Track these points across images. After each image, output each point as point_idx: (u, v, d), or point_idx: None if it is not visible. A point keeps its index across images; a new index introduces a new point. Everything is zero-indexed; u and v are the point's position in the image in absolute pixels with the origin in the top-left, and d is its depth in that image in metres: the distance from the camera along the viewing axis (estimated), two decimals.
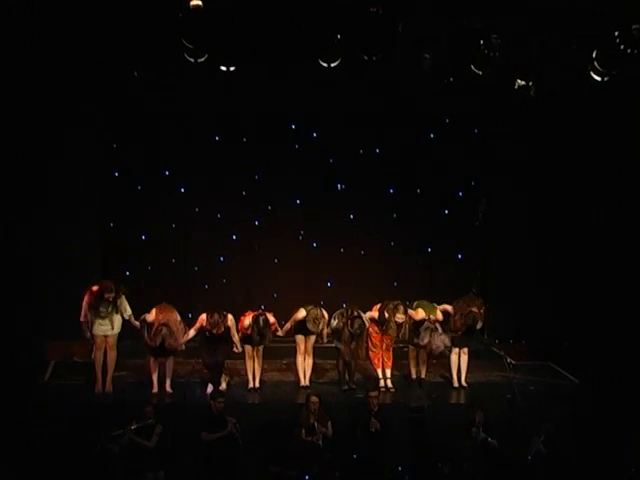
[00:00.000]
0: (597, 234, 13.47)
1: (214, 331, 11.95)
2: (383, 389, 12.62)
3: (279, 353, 13.40)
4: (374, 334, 12.69)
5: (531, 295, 14.38)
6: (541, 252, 14.39)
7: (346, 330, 12.38)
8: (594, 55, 11.65)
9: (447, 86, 12.84)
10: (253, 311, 12.28)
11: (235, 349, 12.33)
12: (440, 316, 12.65)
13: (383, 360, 12.78)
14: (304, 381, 12.56)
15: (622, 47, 11.33)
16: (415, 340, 12.60)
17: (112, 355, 12.29)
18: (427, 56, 11.82)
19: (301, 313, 12.38)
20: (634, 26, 11.21)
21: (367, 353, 12.67)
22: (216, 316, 11.90)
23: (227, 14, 11.24)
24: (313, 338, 12.53)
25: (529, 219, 14.52)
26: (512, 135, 14.34)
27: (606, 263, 13.29)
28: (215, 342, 12.14)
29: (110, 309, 12.10)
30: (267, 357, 12.74)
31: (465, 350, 12.87)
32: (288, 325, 12.53)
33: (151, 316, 11.97)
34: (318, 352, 12.97)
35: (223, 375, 12.43)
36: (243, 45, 11.46)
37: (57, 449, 10.57)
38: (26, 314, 12.52)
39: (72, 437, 10.64)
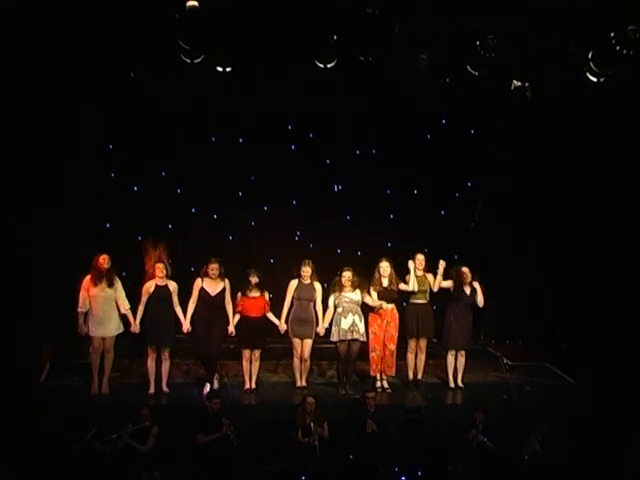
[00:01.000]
0: (595, 235, 13.47)
1: (211, 275, 12.10)
2: (379, 389, 12.62)
3: (275, 354, 13.40)
4: (375, 335, 12.69)
5: (527, 296, 14.38)
6: (537, 252, 14.40)
7: (344, 345, 12.44)
8: (590, 56, 11.67)
9: (444, 87, 12.88)
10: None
11: (230, 327, 12.29)
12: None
13: (385, 365, 12.78)
14: (300, 382, 12.55)
15: (618, 48, 11.34)
16: None
17: (109, 357, 12.28)
18: (424, 57, 11.85)
19: (292, 285, 12.48)
20: (630, 27, 11.22)
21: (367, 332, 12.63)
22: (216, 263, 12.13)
23: (223, 15, 11.27)
24: (310, 341, 12.48)
25: (526, 219, 14.51)
26: (509, 136, 14.34)
27: (603, 264, 13.28)
28: (211, 313, 12.16)
29: (108, 284, 12.11)
30: (263, 358, 12.73)
31: (462, 352, 12.87)
32: (287, 303, 12.50)
33: None
34: (315, 353, 12.99)
35: (216, 374, 12.42)
36: (239, 46, 11.49)
37: (53, 450, 10.56)
38: (22, 315, 12.49)
39: (67, 438, 10.59)
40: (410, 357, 12.90)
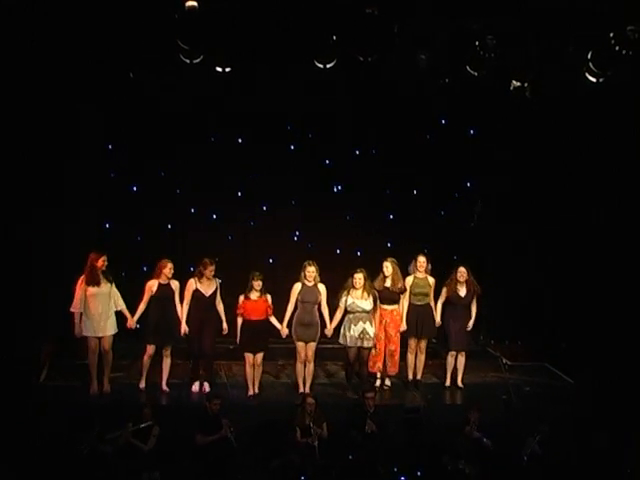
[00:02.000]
0: (595, 235, 13.45)
1: (208, 276, 12.16)
2: (378, 388, 12.64)
3: (275, 354, 13.40)
4: (376, 336, 12.68)
5: (527, 296, 14.38)
6: (537, 253, 14.39)
7: (353, 350, 12.36)
8: (589, 56, 11.67)
9: (443, 87, 12.88)
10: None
11: (224, 324, 12.32)
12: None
13: (387, 365, 12.80)
14: (303, 388, 12.43)
15: (617, 48, 11.34)
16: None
17: (108, 358, 12.28)
18: (423, 57, 11.83)
19: (296, 287, 12.39)
20: (629, 27, 11.22)
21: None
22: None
23: (223, 15, 11.25)
24: (314, 345, 12.42)
25: (525, 219, 14.51)
26: (508, 136, 14.34)
27: (603, 264, 13.27)
28: (205, 314, 12.21)
29: (105, 281, 12.10)
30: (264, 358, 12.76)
31: (463, 353, 12.87)
32: (291, 306, 12.43)
33: None
34: (315, 353, 13.03)
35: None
36: (238, 46, 11.46)
37: (52, 450, 10.55)
38: (22, 315, 12.49)
39: (67, 438, 10.60)
40: (410, 357, 12.90)
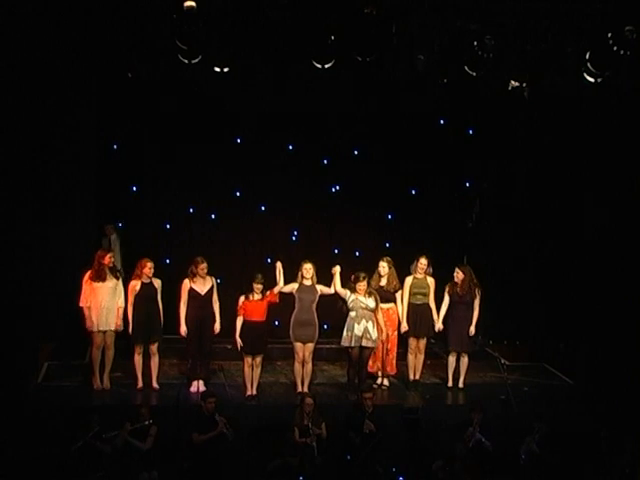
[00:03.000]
0: (592, 236, 13.47)
1: (201, 274, 12.20)
2: (376, 387, 12.66)
3: (273, 354, 13.40)
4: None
5: (525, 296, 14.40)
6: (535, 253, 14.40)
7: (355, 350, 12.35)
8: (587, 57, 11.67)
9: (441, 87, 12.89)
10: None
11: (217, 325, 12.36)
12: None
13: (385, 364, 12.82)
14: (301, 387, 12.41)
15: (615, 49, 11.34)
16: None
17: (110, 354, 12.38)
18: (421, 57, 11.81)
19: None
20: (627, 28, 11.21)
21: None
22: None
23: (221, 15, 11.25)
24: (312, 345, 12.40)
25: (524, 220, 14.52)
26: (506, 136, 14.35)
27: (600, 265, 13.28)
28: (201, 312, 12.25)
29: (111, 276, 12.26)
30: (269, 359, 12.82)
31: (465, 354, 12.87)
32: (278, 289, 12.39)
33: None
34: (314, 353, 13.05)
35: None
36: (237, 46, 11.46)
37: (51, 449, 10.55)
38: (20, 315, 12.47)
39: (66, 437, 10.59)
40: (410, 357, 12.91)
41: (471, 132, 14.92)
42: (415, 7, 11.54)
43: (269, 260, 14.75)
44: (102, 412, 11.03)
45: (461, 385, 12.92)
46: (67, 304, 12.52)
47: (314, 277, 12.41)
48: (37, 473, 10.38)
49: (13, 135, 12.39)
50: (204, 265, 12.35)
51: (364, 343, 12.32)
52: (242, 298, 12.26)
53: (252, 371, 12.28)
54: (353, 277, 12.46)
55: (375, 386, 12.66)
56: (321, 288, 12.43)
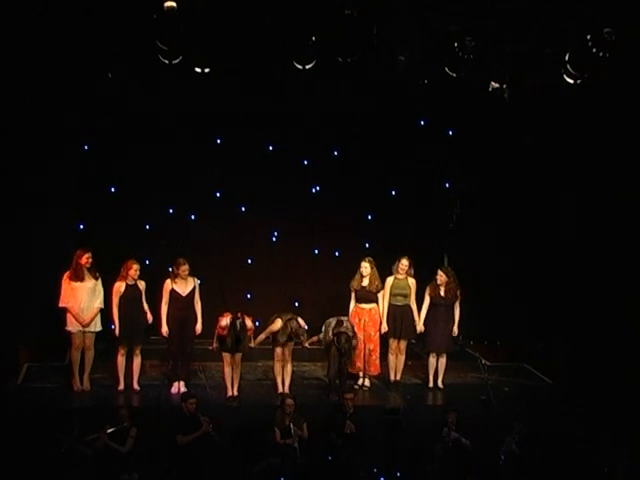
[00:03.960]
0: (572, 236, 13.54)
1: (182, 275, 12.18)
2: (358, 387, 12.66)
3: (254, 355, 13.38)
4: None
5: (505, 297, 14.43)
6: (516, 254, 14.44)
7: (333, 348, 12.31)
8: (567, 58, 11.73)
9: (422, 88, 12.92)
10: (232, 313, 12.20)
11: (198, 326, 12.35)
12: None
13: (367, 364, 12.82)
14: (282, 388, 12.41)
15: (594, 50, 11.40)
16: None
17: (90, 355, 12.33)
18: (402, 58, 11.83)
19: (276, 325, 12.22)
20: (606, 30, 11.28)
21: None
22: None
23: (202, 16, 11.23)
24: (291, 344, 12.41)
25: (504, 220, 14.56)
26: (486, 137, 14.38)
27: (580, 266, 13.35)
28: (183, 313, 12.24)
29: (89, 276, 12.21)
30: (242, 359, 12.73)
31: (443, 354, 12.90)
32: (262, 336, 12.38)
33: None
34: (293, 353, 13.01)
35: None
36: (218, 47, 11.44)
37: (31, 452, 10.48)
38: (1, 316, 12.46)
39: (46, 440, 10.54)
40: (391, 358, 12.93)
41: (451, 133, 14.94)
42: (396, 8, 11.55)
43: (249, 261, 14.81)
44: (82, 414, 11.01)
45: (440, 385, 12.94)
46: (47, 305, 12.46)
47: None
48: (17, 475, 10.30)
49: None
50: (185, 267, 12.33)
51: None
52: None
53: (232, 371, 12.25)
54: None
55: (356, 387, 12.67)
56: None
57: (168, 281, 12.40)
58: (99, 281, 12.36)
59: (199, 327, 12.44)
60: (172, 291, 12.34)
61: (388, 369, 12.96)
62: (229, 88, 13.34)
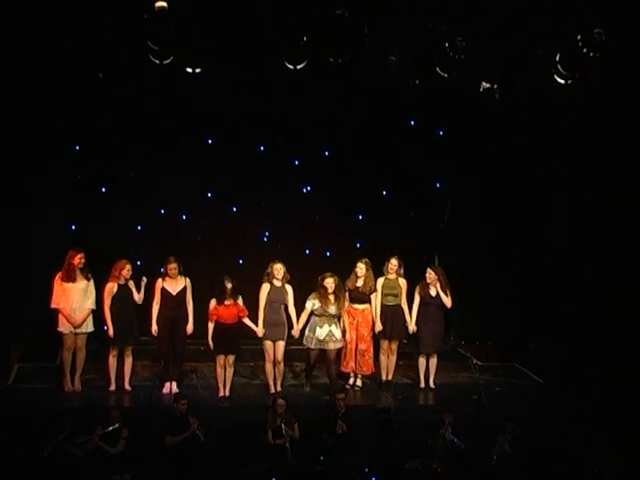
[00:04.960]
0: (564, 236, 13.55)
1: (170, 274, 12.21)
2: (349, 387, 12.70)
3: (246, 355, 13.39)
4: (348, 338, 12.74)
5: (497, 297, 14.45)
6: (506, 253, 14.45)
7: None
8: (557, 58, 11.75)
9: (413, 88, 12.93)
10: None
11: (189, 326, 12.35)
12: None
13: (359, 365, 12.85)
14: (274, 388, 12.42)
15: (585, 51, 11.43)
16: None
17: (81, 356, 12.31)
18: (393, 59, 11.84)
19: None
20: (596, 30, 11.30)
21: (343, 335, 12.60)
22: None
23: (193, 16, 11.22)
24: (282, 344, 12.41)
25: (494, 220, 14.58)
26: (477, 137, 14.40)
27: (572, 265, 13.36)
28: (174, 312, 12.25)
29: (81, 277, 12.20)
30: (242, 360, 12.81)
31: (434, 354, 12.91)
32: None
33: None
34: (286, 354, 13.03)
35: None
36: (209, 47, 11.43)
37: (21, 453, 10.45)
38: None
39: (36, 441, 10.51)
40: (383, 358, 12.93)
41: (442, 133, 14.96)
42: (387, 8, 11.56)
43: (241, 261, 14.81)
44: (73, 415, 10.97)
45: (432, 385, 12.95)
46: (38, 305, 12.44)
47: (285, 278, 12.41)
48: (7, 476, 10.26)
49: None
50: (173, 265, 12.33)
51: (330, 346, 12.43)
52: (213, 302, 12.21)
53: (225, 372, 12.25)
54: (320, 278, 12.48)
55: (348, 387, 12.68)
56: (289, 289, 12.45)
57: (159, 280, 12.40)
58: (91, 282, 12.34)
59: (190, 327, 12.42)
60: (162, 290, 12.34)
61: (379, 369, 12.97)
62: (220, 88, 13.33)
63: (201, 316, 12.45)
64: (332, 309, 12.40)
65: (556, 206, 13.91)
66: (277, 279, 12.38)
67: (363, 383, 13.00)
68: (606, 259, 12.98)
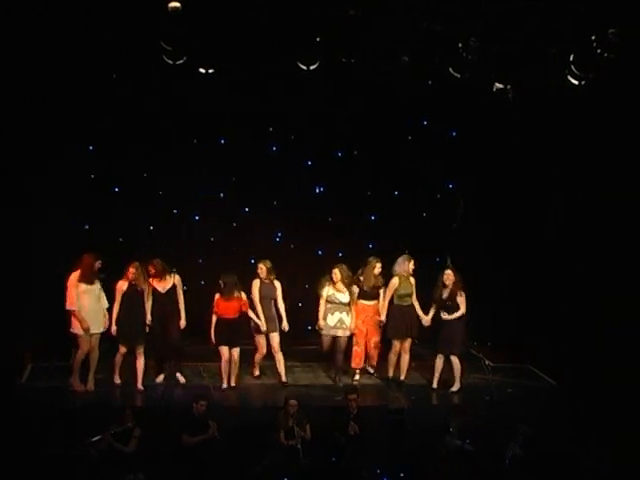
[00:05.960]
0: (578, 236, 13.51)
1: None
2: (356, 382, 12.92)
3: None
4: (358, 329, 12.90)
5: (510, 297, 14.41)
6: (520, 254, 14.41)
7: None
8: (571, 59, 11.72)
9: (425, 88, 12.91)
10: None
11: (182, 321, 12.60)
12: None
13: (367, 359, 13.13)
14: (255, 371, 13.01)
15: (599, 51, 11.39)
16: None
17: (94, 355, 12.40)
18: (405, 59, 11.82)
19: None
20: (610, 30, 11.27)
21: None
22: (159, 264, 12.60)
23: (206, 16, 11.22)
24: (277, 334, 12.75)
25: (509, 220, 14.54)
26: (490, 137, 14.37)
27: (586, 266, 13.32)
28: (163, 309, 12.53)
29: (97, 279, 12.36)
30: (245, 360, 12.78)
31: (454, 355, 12.89)
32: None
33: None
34: (297, 353, 13.07)
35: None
36: (222, 47, 11.44)
37: (34, 453, 10.47)
38: (4, 315, 12.43)
39: (49, 440, 10.54)
40: (392, 358, 12.95)
41: (454, 134, 14.94)
42: (399, 9, 11.54)
43: (253, 261, 14.80)
44: (85, 414, 11.02)
45: (457, 387, 12.90)
46: (51, 305, 12.45)
47: (271, 274, 12.74)
48: (21, 475, 10.28)
49: None
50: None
51: (339, 333, 12.85)
52: (217, 296, 12.54)
53: (229, 365, 12.52)
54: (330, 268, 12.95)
55: (356, 382, 12.80)
56: (278, 285, 12.83)
57: (150, 279, 12.62)
58: (100, 283, 12.43)
59: (183, 322, 12.65)
60: (153, 289, 12.62)
61: (387, 366, 13.00)
62: (233, 89, 13.35)
63: (209, 315, 12.64)
64: (341, 297, 12.79)
65: (550, 206, 13.89)
66: (264, 277, 12.75)
67: (375, 385, 13.04)
68: (601, 259, 12.98)
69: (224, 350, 12.49)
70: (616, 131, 12.72)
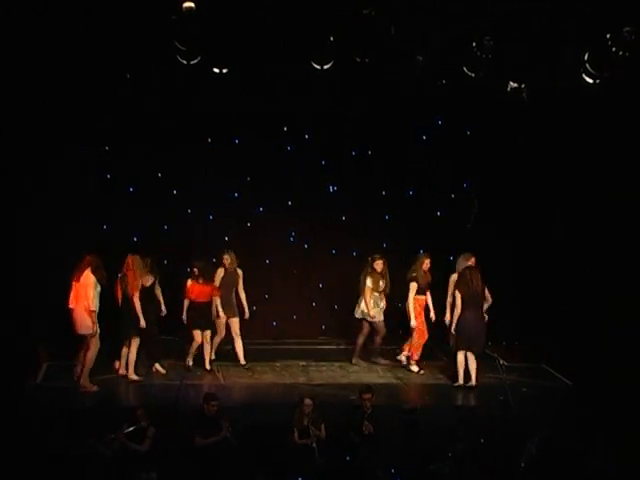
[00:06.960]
0: (593, 235, 13.46)
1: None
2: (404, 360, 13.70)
3: (272, 355, 13.41)
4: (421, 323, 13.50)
5: (524, 297, 14.37)
6: (534, 254, 14.38)
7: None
8: (586, 58, 11.68)
9: (440, 88, 12.90)
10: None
11: (162, 307, 13.08)
12: None
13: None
14: (211, 354, 13.37)
15: (614, 50, 11.35)
16: None
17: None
18: (420, 58, 11.82)
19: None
20: (625, 28, 11.23)
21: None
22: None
23: (220, 16, 11.24)
24: (237, 319, 13.30)
25: (523, 220, 14.50)
26: (505, 137, 14.34)
27: (601, 265, 13.28)
28: (145, 301, 12.80)
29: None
30: (259, 359, 12.80)
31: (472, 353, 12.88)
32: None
33: None
34: (312, 352, 13.07)
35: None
36: (236, 47, 11.46)
37: (48, 452, 10.51)
38: (19, 316, 12.47)
39: (63, 439, 10.57)
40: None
41: (469, 133, 14.91)
42: (414, 8, 11.53)
43: (267, 261, 14.84)
44: (99, 414, 11.05)
45: (474, 383, 12.84)
46: (66, 304, 12.48)
47: (233, 263, 13.27)
48: (35, 475, 10.32)
49: (7, 135, 12.39)
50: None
51: (376, 319, 13.62)
52: (189, 282, 13.10)
53: (203, 348, 13.12)
54: (370, 259, 13.60)
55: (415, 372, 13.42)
56: (240, 273, 13.43)
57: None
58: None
59: (163, 308, 13.08)
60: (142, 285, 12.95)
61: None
62: (247, 88, 13.37)
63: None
64: (381, 285, 13.56)
65: (557, 206, 13.85)
66: (228, 266, 13.28)
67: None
68: (607, 259, 12.94)
69: (197, 334, 13.06)
70: (627, 131, 12.67)
